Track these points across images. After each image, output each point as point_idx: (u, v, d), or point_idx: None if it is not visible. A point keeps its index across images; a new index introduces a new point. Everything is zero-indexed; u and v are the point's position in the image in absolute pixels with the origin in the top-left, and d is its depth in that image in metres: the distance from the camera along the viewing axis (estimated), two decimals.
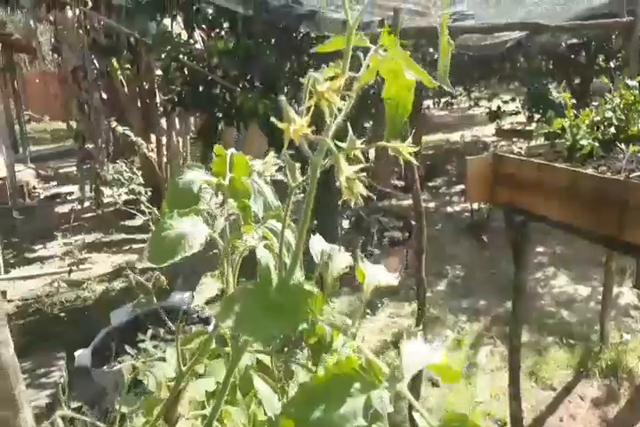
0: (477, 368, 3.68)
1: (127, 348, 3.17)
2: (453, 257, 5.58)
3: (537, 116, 7.82)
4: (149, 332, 3.24)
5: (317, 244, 1.07)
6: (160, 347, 3.24)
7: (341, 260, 0.81)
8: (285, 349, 1.16)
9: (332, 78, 0.70)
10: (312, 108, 0.64)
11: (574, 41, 6.84)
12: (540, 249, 5.70)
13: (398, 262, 5.25)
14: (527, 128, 9.34)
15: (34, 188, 7.79)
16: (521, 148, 2.77)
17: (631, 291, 4.66)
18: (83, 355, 3.52)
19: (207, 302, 0.96)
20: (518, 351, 2.91)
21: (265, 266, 0.75)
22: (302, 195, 0.78)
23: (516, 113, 9.64)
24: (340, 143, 0.74)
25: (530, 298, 4.34)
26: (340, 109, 0.65)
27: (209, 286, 0.94)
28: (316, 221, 4.76)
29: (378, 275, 0.77)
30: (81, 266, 5.53)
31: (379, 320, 4.34)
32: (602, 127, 2.69)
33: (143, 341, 3.20)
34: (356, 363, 0.60)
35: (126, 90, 6.56)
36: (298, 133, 0.62)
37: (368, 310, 4.44)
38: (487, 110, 10.56)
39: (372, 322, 4.28)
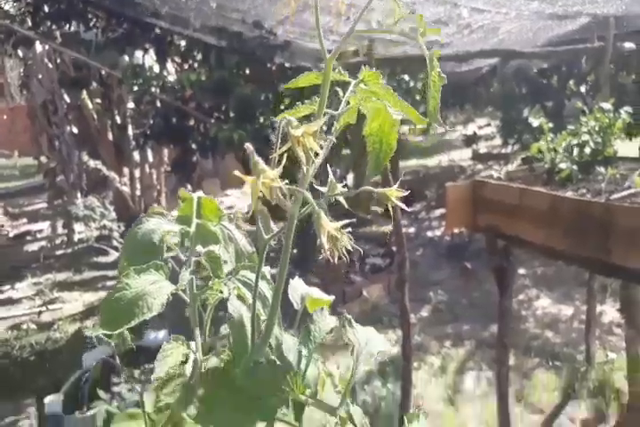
0: (464, 395, 3.59)
1: (100, 392, 3.01)
2: (436, 282, 5.51)
3: (512, 141, 7.92)
4: (123, 374, 3.10)
5: (298, 288, 0.98)
6: (134, 390, 3.10)
7: (326, 322, 0.71)
8: None
9: (306, 117, 0.63)
10: (285, 156, 0.56)
11: (545, 66, 6.99)
12: (521, 271, 5.66)
13: (381, 289, 5.18)
14: (503, 151, 9.42)
15: (2, 226, 7.56)
16: (500, 173, 2.74)
17: (613, 309, 4.64)
18: (53, 401, 3.34)
19: None
20: (506, 378, 2.86)
21: (239, 336, 0.66)
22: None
23: (492, 138, 9.75)
24: (319, 187, 0.66)
25: (514, 320, 4.30)
26: (317, 154, 0.57)
27: (173, 352, 0.84)
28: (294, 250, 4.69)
29: (371, 341, 0.67)
30: (51, 306, 5.34)
31: None
32: (579, 150, 2.69)
33: (117, 384, 3.06)
34: None
35: (97, 123, 6.46)
36: (267, 187, 0.53)
37: None
38: (463, 135, 10.62)
39: None
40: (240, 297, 0.82)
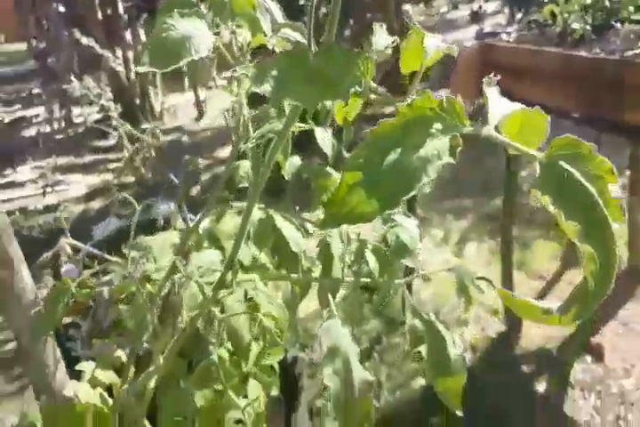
0: (466, 263, 3.73)
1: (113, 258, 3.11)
2: None
3: (519, 14, 7.63)
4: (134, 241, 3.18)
5: None
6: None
7: (382, 36, 0.69)
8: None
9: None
10: None
11: None
12: None
13: None
14: (508, 30, 9.17)
15: None
16: (509, 37, 2.67)
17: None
18: (70, 269, 3.47)
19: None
20: (510, 243, 2.94)
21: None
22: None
23: (498, 12, 9.57)
24: None
25: (517, 195, 4.38)
26: None
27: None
28: None
29: (436, 44, 0.65)
30: (56, 188, 5.39)
31: (366, 225, 4.33)
32: (592, 11, 2.60)
33: (129, 253, 3.15)
34: (435, 103, 0.50)
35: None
36: None
37: None
38: (467, 13, 10.44)
39: (360, 227, 4.27)
40: None
